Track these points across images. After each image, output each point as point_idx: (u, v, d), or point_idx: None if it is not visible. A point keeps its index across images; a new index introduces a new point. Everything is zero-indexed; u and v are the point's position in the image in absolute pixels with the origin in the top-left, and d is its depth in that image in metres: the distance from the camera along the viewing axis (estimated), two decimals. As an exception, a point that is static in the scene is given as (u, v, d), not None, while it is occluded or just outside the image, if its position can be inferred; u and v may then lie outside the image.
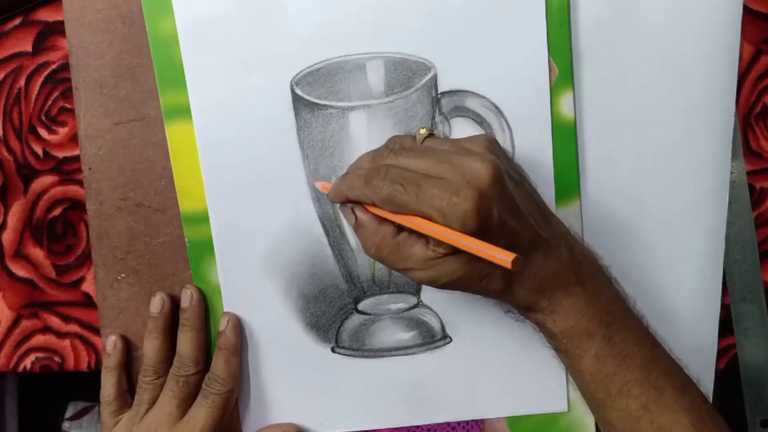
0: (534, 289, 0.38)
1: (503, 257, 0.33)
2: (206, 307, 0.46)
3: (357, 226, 0.39)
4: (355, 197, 0.39)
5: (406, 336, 0.47)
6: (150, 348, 0.45)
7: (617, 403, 0.39)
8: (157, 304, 0.46)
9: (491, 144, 0.38)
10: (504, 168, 0.37)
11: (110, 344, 0.47)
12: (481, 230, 0.35)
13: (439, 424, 0.48)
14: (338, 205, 0.42)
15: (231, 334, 0.45)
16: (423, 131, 0.40)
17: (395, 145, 0.39)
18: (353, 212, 0.39)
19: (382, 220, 0.38)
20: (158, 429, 0.43)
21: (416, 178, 0.36)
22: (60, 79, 0.47)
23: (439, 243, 0.36)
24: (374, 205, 0.38)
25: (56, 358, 0.49)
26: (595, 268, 0.41)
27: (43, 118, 0.48)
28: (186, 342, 0.45)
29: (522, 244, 0.37)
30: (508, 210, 0.36)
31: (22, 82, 0.47)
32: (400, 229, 0.38)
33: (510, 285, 0.38)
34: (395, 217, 0.37)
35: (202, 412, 0.44)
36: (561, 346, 0.40)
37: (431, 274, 0.37)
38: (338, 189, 0.40)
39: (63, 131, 0.48)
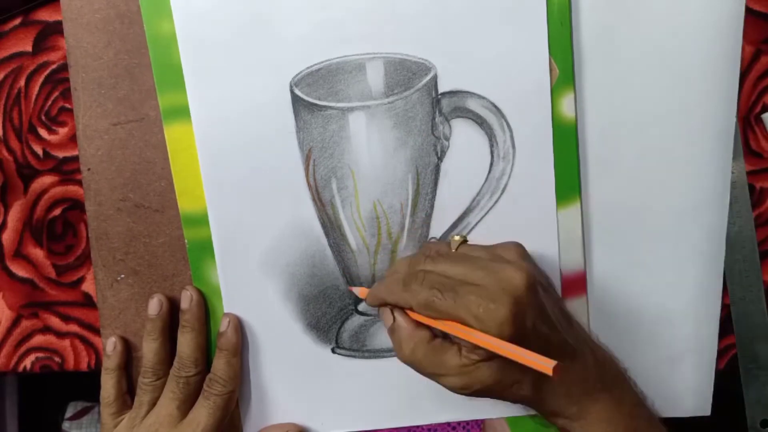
0: (562, 394, 0.39)
1: (544, 363, 0.34)
2: (206, 308, 0.46)
3: (393, 329, 0.40)
4: (394, 301, 0.40)
5: (406, 336, 0.47)
6: (149, 350, 0.45)
7: None
8: (154, 306, 0.45)
9: (523, 252, 0.40)
10: (536, 275, 0.38)
11: (110, 346, 0.47)
12: (517, 336, 0.36)
13: (439, 424, 0.48)
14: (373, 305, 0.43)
15: (232, 334, 0.45)
16: (457, 238, 0.41)
17: (431, 252, 0.41)
18: (392, 314, 0.41)
19: (418, 324, 0.40)
20: (159, 430, 0.43)
21: (453, 284, 0.37)
22: (60, 79, 0.47)
23: (472, 350, 0.37)
24: (411, 309, 0.39)
25: (56, 358, 0.49)
26: (617, 373, 0.42)
27: (43, 118, 0.48)
28: (186, 343, 0.45)
29: (552, 350, 0.37)
30: (540, 317, 0.37)
31: (22, 82, 0.47)
32: (434, 335, 0.40)
33: (540, 391, 0.39)
34: (434, 321, 0.38)
35: (203, 413, 0.44)
36: None
37: (464, 380, 0.38)
38: (377, 293, 0.41)
39: (63, 131, 0.48)
